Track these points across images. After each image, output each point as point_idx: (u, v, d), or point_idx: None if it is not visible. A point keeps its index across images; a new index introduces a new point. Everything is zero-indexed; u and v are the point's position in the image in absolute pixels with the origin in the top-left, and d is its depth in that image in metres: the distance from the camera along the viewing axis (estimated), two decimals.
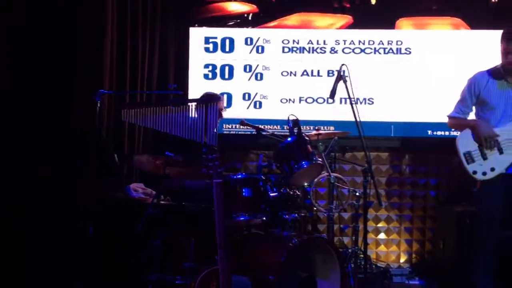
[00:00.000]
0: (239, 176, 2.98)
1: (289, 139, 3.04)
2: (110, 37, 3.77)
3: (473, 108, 3.11)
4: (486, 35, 4.01)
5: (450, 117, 3.19)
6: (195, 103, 2.82)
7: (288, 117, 3.15)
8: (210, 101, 2.78)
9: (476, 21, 4.13)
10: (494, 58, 3.03)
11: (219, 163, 2.38)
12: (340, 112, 4.13)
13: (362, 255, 3.50)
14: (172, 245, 3.05)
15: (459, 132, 3.10)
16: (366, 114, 4.11)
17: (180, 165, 2.96)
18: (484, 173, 2.92)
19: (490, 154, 2.91)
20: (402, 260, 4.26)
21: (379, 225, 4.29)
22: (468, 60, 4.03)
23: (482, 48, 3.99)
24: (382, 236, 4.29)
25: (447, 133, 4.04)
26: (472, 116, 3.14)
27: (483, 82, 3.00)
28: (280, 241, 2.87)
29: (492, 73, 3.01)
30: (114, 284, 3.07)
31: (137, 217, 2.97)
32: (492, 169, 2.90)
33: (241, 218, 2.89)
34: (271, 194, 3.01)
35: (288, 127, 3.15)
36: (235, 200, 2.91)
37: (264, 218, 2.96)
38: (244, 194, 2.93)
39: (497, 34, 2.97)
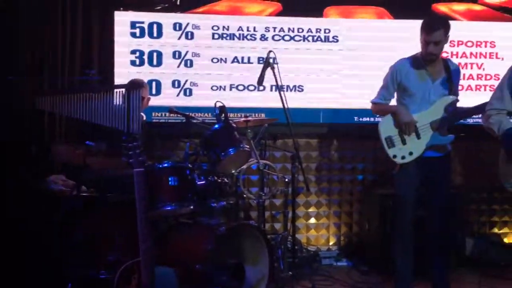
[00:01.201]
0: (165, 165, 2.91)
1: (215, 126, 3.00)
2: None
3: (395, 94, 3.23)
4: (408, 24, 4.16)
5: (373, 102, 3.30)
6: (118, 90, 2.71)
7: (215, 104, 3.11)
8: (131, 87, 2.67)
9: (399, 11, 4.27)
10: (416, 46, 3.15)
11: (140, 151, 2.30)
12: (271, 99, 4.13)
13: (292, 240, 3.57)
14: (96, 238, 2.93)
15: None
16: (296, 101, 4.18)
17: (102, 155, 2.84)
18: (403, 157, 3.05)
19: (408, 139, 3.04)
20: (331, 243, 4.39)
21: (310, 210, 4.39)
22: (392, 48, 4.16)
23: (405, 37, 4.13)
24: (312, 220, 4.39)
25: (372, 119, 4.17)
26: (394, 102, 3.27)
27: (404, 69, 3.12)
28: (208, 229, 2.85)
29: (413, 61, 3.13)
30: (33, 283, 2.90)
31: (57, 210, 2.82)
32: (410, 153, 3.04)
33: (167, 208, 2.83)
34: (199, 183, 2.97)
35: (215, 114, 3.11)
36: (161, 189, 2.84)
37: (192, 207, 2.91)
38: (170, 183, 2.86)
39: (419, 23, 3.05)
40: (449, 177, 3.15)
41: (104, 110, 2.65)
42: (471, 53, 4.30)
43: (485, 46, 4.34)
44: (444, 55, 4.16)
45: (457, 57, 4.30)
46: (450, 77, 3.03)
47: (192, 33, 4.17)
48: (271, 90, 4.16)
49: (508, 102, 2.57)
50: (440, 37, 2.94)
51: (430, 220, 3.12)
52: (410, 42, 3.25)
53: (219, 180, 3.11)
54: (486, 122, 2.63)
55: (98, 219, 2.94)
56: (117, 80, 4.01)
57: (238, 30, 4.20)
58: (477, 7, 4.37)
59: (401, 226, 3.10)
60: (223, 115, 3.06)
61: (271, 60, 3.24)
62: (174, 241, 2.87)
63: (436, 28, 2.94)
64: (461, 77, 3.35)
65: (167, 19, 4.14)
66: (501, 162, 2.61)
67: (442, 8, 4.33)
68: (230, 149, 2.93)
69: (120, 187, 2.93)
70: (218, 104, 3.08)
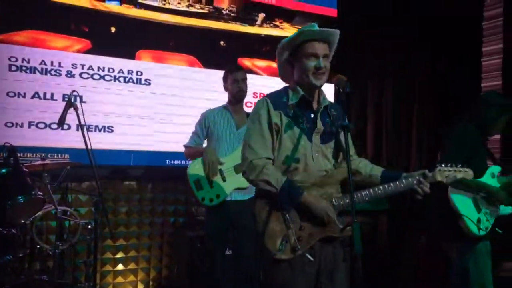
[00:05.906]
0: None
1: (2, 170, 2.67)
2: None
3: (205, 140, 3.40)
4: (216, 73, 4.43)
5: (185, 146, 3.43)
6: None
7: (4, 145, 2.78)
8: None
9: (207, 61, 4.54)
10: (225, 94, 3.40)
11: None
12: (77, 140, 3.88)
13: None
14: None
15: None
16: (106, 142, 4.04)
17: None
18: (211, 200, 3.17)
19: (215, 181, 3.19)
20: None
21: (117, 256, 4.18)
22: (202, 94, 4.39)
23: (213, 84, 4.39)
24: (120, 267, 4.18)
25: (183, 162, 4.27)
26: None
27: (212, 116, 3.35)
28: None
29: (221, 109, 3.39)
30: None
31: None
32: (217, 196, 3.18)
33: None
34: None
35: (3, 156, 2.77)
36: None
37: None
38: None
39: None
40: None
41: None
42: None
43: None
44: (248, 105, 4.60)
45: None
46: None
47: None
48: (77, 129, 3.91)
49: (271, 148, 2.13)
50: (243, 75, 3.35)
51: (237, 260, 3.27)
52: (219, 92, 3.48)
53: (5, 232, 2.75)
54: (257, 176, 2.07)
55: None
56: None
57: (41, 63, 3.89)
58: (275, 64, 4.92)
59: (215, 265, 3.18)
60: (12, 157, 2.74)
61: (73, 99, 3.07)
62: None
63: (240, 68, 3.47)
64: None
65: None
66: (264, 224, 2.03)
67: (247, 62, 4.76)
68: (19, 197, 2.63)
69: None
70: (7, 145, 2.76)
